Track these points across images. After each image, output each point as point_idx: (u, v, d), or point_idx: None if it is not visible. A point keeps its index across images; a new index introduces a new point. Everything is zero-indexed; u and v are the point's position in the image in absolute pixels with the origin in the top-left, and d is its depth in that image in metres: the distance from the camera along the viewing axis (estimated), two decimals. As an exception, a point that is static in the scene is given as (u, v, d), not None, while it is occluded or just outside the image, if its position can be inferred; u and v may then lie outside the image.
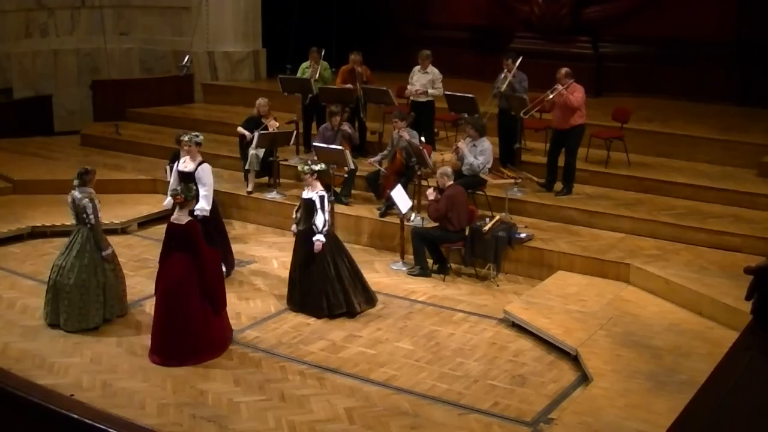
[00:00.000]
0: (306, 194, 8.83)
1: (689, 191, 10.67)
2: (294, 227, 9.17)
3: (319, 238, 8.63)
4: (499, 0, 15.81)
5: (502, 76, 11.37)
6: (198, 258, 7.78)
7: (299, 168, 9.15)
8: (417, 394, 7.18)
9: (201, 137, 9.56)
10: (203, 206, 9.01)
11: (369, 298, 8.94)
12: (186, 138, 9.40)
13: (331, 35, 14.50)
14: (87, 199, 8.29)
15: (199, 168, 9.23)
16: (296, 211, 9.16)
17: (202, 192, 9.02)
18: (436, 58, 12.15)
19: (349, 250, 9.14)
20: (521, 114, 10.95)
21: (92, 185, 8.47)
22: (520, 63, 11.29)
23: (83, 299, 8.28)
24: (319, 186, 8.77)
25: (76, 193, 8.33)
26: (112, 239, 10.87)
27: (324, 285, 8.67)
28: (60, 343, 8.08)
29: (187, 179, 9.21)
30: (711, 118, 12.56)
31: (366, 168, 11.21)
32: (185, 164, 9.42)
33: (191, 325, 7.70)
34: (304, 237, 8.80)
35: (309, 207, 8.71)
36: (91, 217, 8.29)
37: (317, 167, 8.85)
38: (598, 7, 14.75)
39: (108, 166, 13.21)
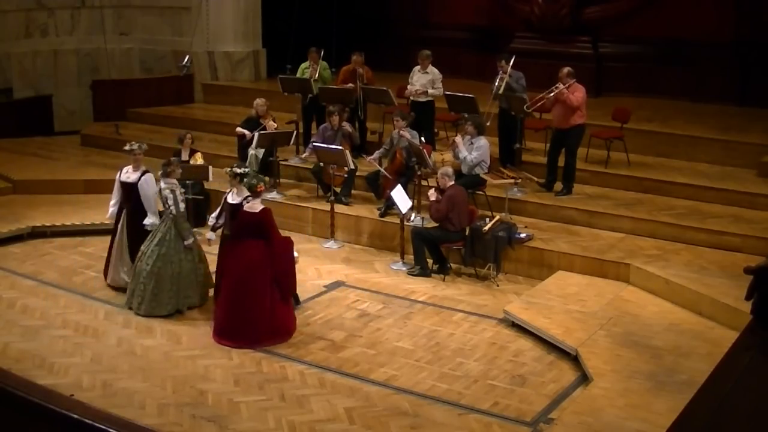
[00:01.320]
0: (231, 199, 8.54)
1: (689, 191, 10.67)
2: (211, 234, 8.83)
3: None
4: (499, 0, 15.81)
5: (499, 77, 11.38)
6: (271, 245, 8.14)
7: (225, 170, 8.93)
8: (417, 394, 7.18)
9: (146, 145, 9.27)
10: (153, 221, 8.84)
11: None
12: (135, 146, 9.08)
13: (331, 35, 14.49)
14: (168, 190, 8.60)
15: (142, 179, 8.96)
16: (216, 217, 8.77)
17: (145, 204, 8.88)
18: (436, 58, 12.14)
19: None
20: (525, 109, 10.92)
21: (176, 176, 8.78)
22: (514, 62, 11.28)
23: (157, 287, 8.55)
24: (245, 191, 8.35)
25: (162, 184, 8.69)
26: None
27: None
28: (60, 343, 8.08)
29: (130, 190, 8.98)
30: (711, 118, 12.56)
31: (366, 168, 11.21)
32: (127, 174, 9.08)
33: (257, 311, 8.02)
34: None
35: (234, 213, 8.42)
36: (172, 207, 8.56)
37: (240, 170, 8.54)
38: (598, 7, 14.75)
39: (108, 166, 13.18)
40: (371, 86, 12.25)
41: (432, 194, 9.72)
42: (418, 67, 12.08)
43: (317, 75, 12.41)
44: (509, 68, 11.27)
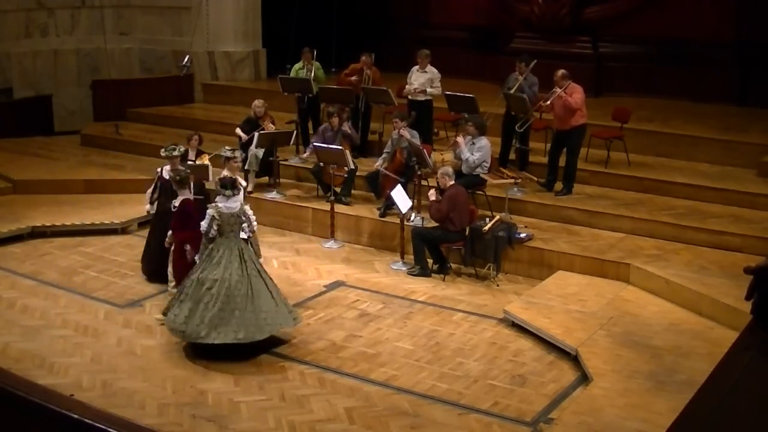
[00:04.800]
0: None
1: (689, 191, 10.67)
2: (149, 206, 9.66)
3: None
4: (499, 0, 15.81)
5: (513, 77, 11.33)
6: None
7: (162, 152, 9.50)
8: (417, 394, 7.18)
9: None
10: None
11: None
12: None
13: (331, 35, 14.51)
14: (248, 206, 8.15)
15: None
16: (153, 191, 9.59)
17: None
18: (436, 58, 12.12)
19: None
20: (516, 128, 10.90)
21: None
22: (533, 67, 11.16)
23: (256, 308, 7.78)
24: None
25: (238, 202, 8.01)
26: (113, 239, 10.95)
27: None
28: (60, 343, 8.08)
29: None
30: (711, 118, 12.55)
31: (366, 168, 11.20)
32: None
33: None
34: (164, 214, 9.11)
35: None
36: (255, 225, 8.14)
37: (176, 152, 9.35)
38: (598, 7, 14.74)
39: (108, 166, 13.23)
40: (372, 86, 12.23)
41: (432, 194, 9.72)
42: (416, 67, 12.05)
43: (312, 75, 12.41)
44: (527, 71, 11.21)
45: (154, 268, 9.43)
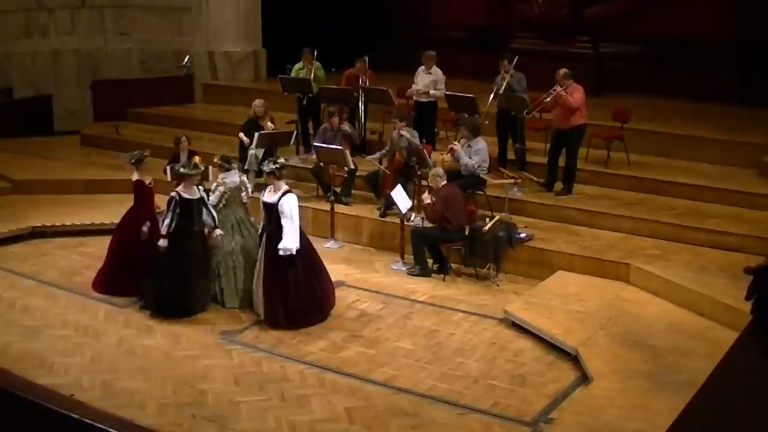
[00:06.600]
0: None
1: (689, 191, 10.67)
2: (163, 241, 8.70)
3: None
4: (498, 0, 15.81)
5: (500, 77, 11.36)
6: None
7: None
8: (417, 394, 7.18)
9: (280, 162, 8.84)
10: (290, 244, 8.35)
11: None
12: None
13: (331, 35, 14.49)
14: (244, 177, 9.38)
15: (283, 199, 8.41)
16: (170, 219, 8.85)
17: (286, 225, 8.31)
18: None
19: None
20: (524, 114, 10.93)
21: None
22: (516, 62, 11.27)
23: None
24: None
25: (237, 176, 9.15)
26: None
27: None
28: (60, 343, 8.08)
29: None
30: (711, 118, 12.55)
31: (366, 168, 11.21)
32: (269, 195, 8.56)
33: None
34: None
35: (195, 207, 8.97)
36: (247, 194, 9.21)
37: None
38: (598, 7, 14.75)
39: (108, 166, 13.21)
40: (372, 86, 12.23)
41: (426, 197, 9.70)
42: (422, 68, 12.08)
43: (312, 75, 12.42)
44: (511, 68, 11.26)
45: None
